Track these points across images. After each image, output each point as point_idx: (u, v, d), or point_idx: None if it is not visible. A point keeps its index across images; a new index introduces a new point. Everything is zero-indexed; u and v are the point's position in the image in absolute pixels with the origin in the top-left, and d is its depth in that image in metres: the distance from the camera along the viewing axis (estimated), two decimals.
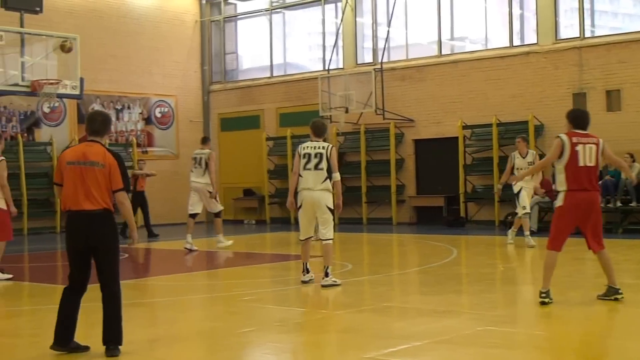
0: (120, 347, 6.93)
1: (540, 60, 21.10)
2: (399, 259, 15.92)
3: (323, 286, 10.69)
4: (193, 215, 16.47)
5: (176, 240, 18.88)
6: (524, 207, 15.20)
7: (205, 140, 17.02)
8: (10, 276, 12.29)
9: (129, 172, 24.31)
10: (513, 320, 8.46)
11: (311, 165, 10.81)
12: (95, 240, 6.92)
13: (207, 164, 16.17)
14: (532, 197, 16.11)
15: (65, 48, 17.27)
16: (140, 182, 20.36)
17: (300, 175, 10.88)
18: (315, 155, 10.82)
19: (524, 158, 15.16)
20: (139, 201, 20.24)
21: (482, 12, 22.76)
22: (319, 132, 11.07)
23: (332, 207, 10.90)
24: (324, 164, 10.78)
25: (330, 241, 10.90)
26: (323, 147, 10.87)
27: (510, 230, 16.02)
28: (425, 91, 23.04)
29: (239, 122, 27.17)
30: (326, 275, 10.74)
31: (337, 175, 10.87)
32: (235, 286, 11.60)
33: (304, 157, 10.87)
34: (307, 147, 10.93)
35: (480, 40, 23.09)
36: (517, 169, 15.07)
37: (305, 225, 11.01)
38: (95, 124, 7.13)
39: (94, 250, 6.96)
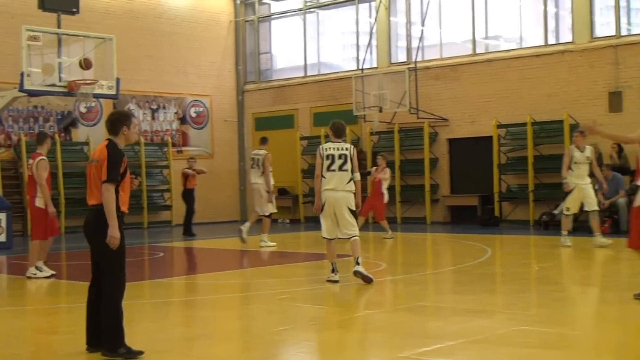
0: (117, 350, 6.70)
1: (576, 59, 20.93)
2: (433, 258, 15.88)
3: (355, 272, 10.67)
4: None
5: (211, 239, 19.02)
6: (568, 209, 15.16)
7: (263, 141, 17.14)
8: (53, 273, 12.45)
9: (173, 171, 24.76)
10: (548, 320, 8.40)
11: (335, 166, 10.80)
12: (89, 236, 7.12)
13: (264, 165, 16.38)
14: (598, 197, 15.90)
15: (84, 64, 17.40)
16: (191, 181, 20.59)
17: (323, 176, 10.89)
18: (340, 156, 10.81)
19: (582, 152, 15.04)
20: (188, 199, 20.47)
21: (517, 11, 22.65)
22: (339, 132, 11.05)
23: (354, 209, 10.92)
24: (348, 165, 10.80)
25: (357, 237, 10.92)
26: (346, 148, 10.87)
27: (598, 235, 15.07)
28: (460, 90, 22.97)
29: (273, 122, 27.27)
30: (357, 264, 10.73)
31: (357, 175, 10.93)
32: (270, 285, 11.65)
33: (327, 158, 10.83)
34: (330, 148, 10.91)
35: (514, 38, 22.96)
36: (575, 162, 14.97)
37: (329, 225, 10.96)
38: (107, 124, 7.33)
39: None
